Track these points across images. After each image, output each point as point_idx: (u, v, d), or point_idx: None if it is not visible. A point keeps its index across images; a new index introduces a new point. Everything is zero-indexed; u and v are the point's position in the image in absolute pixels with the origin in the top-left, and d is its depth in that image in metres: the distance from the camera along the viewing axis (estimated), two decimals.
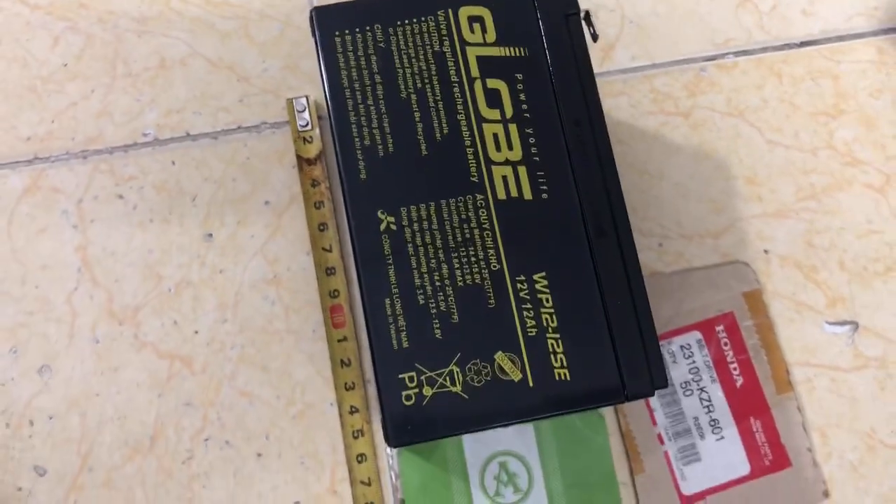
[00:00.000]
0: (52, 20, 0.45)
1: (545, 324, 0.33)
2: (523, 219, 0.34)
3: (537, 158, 0.34)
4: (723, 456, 0.42)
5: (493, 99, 0.34)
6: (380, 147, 0.34)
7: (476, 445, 0.42)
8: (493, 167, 0.34)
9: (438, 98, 0.34)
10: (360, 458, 0.41)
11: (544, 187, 0.33)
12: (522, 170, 0.34)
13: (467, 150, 0.34)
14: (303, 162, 0.44)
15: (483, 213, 0.33)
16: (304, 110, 0.44)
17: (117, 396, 0.42)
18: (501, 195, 0.34)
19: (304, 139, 0.44)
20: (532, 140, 0.34)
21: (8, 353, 0.42)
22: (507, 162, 0.34)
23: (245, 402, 0.42)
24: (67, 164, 0.44)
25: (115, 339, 0.42)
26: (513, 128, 0.34)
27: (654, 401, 0.43)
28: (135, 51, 0.45)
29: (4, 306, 0.42)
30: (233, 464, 0.41)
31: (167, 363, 0.42)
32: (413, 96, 0.34)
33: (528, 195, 0.34)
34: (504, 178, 0.34)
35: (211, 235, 0.44)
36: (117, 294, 0.43)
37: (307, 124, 0.44)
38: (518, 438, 0.42)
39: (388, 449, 0.42)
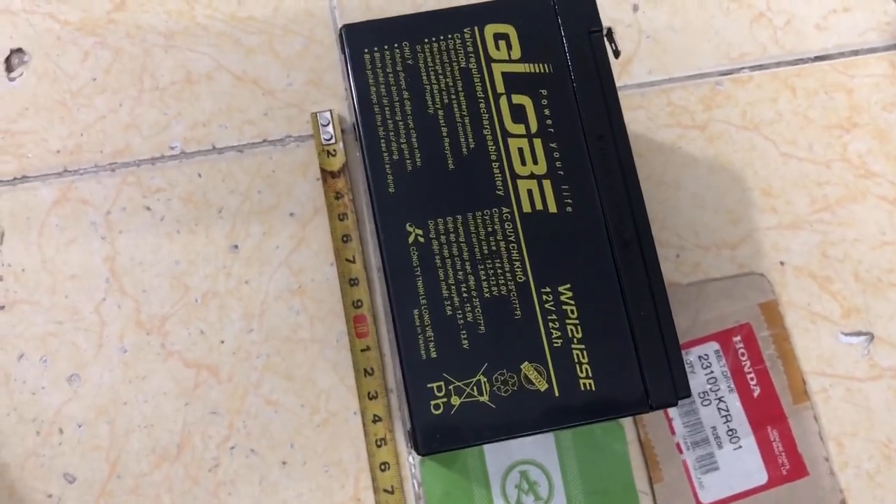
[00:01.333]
0: (82, 35, 0.46)
1: (570, 335, 0.34)
2: (548, 231, 0.34)
3: (562, 172, 0.34)
4: (740, 465, 0.43)
5: (519, 114, 0.35)
6: (408, 161, 0.35)
7: (497, 454, 0.42)
8: (519, 181, 0.35)
9: (465, 113, 0.35)
10: (383, 467, 0.42)
11: (569, 200, 0.34)
12: (547, 183, 0.34)
13: (493, 164, 0.35)
14: (326, 175, 0.45)
15: (509, 225, 0.34)
16: (328, 124, 0.45)
17: (145, 405, 0.42)
18: (527, 208, 0.34)
19: (328, 152, 0.45)
20: (556, 154, 0.35)
21: (38, 362, 0.42)
22: (532, 176, 0.34)
23: (270, 411, 0.43)
24: (96, 176, 0.45)
25: (142, 349, 0.43)
26: (537, 142, 0.35)
27: (672, 410, 0.43)
28: (162, 65, 0.46)
29: (34, 316, 0.43)
30: (258, 472, 0.42)
31: (194, 372, 0.43)
32: (440, 112, 0.35)
33: (552, 208, 0.34)
34: (529, 191, 0.34)
35: (237, 246, 0.44)
36: (145, 304, 0.43)
37: (331, 138, 0.45)
38: (538, 447, 0.43)
39: (411, 457, 0.42)
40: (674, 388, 0.33)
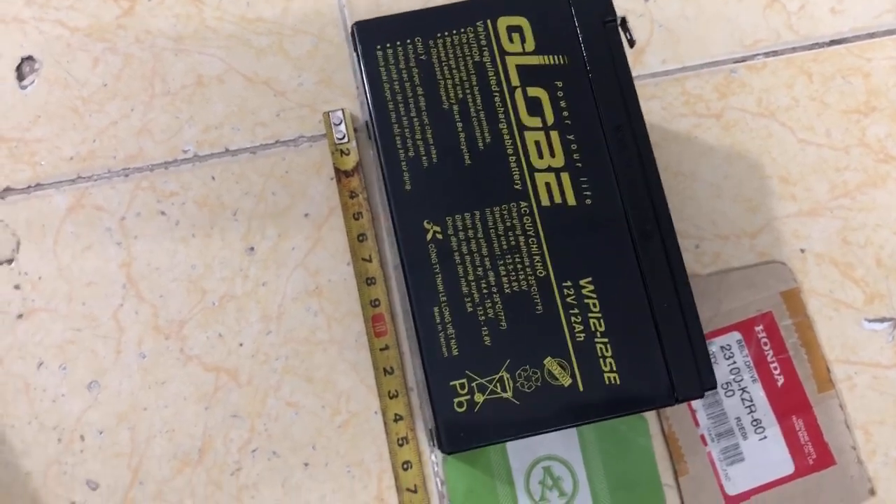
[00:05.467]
0: (92, 42, 0.46)
1: (593, 328, 0.33)
2: (568, 224, 0.34)
3: (580, 164, 0.34)
4: (766, 455, 0.42)
5: (534, 107, 0.35)
6: (423, 158, 0.35)
7: (520, 450, 0.42)
8: (536, 174, 0.34)
9: (480, 108, 0.35)
10: (405, 466, 0.42)
11: (588, 192, 0.34)
12: (565, 176, 0.34)
13: (510, 158, 0.34)
14: (340, 174, 0.45)
15: (528, 220, 0.34)
16: (340, 123, 0.45)
17: (165, 410, 0.42)
18: (545, 202, 0.34)
19: (342, 151, 0.45)
20: (574, 146, 0.34)
21: (57, 370, 0.42)
22: (549, 169, 0.34)
23: (291, 413, 0.42)
24: (110, 181, 0.45)
25: (161, 354, 0.43)
26: (554, 135, 0.34)
27: (696, 402, 0.43)
28: (172, 69, 0.46)
29: (52, 323, 0.43)
30: (280, 474, 0.42)
31: (213, 376, 0.43)
32: (455, 107, 0.35)
33: (571, 201, 0.34)
34: (547, 184, 0.34)
35: (253, 249, 0.44)
36: (162, 309, 0.43)
37: (344, 137, 0.45)
38: (561, 442, 0.42)
39: (434, 456, 0.42)
40: (699, 380, 0.33)
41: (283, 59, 0.46)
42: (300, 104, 0.46)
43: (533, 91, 0.35)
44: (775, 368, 0.43)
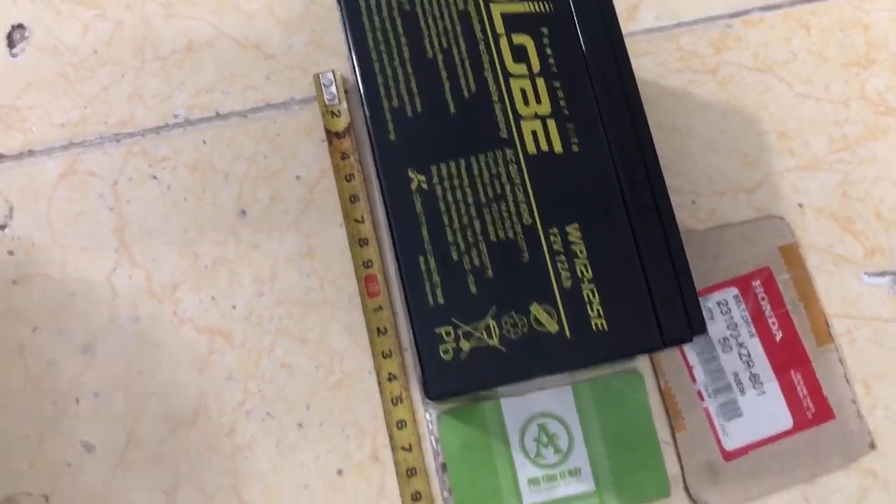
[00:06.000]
0: (81, 9, 0.46)
1: (580, 274, 0.33)
2: (554, 172, 0.34)
3: (566, 111, 0.34)
4: (765, 410, 0.42)
5: (520, 54, 0.34)
6: (408, 107, 0.34)
7: (514, 408, 0.42)
8: (522, 122, 0.34)
9: (464, 56, 0.34)
10: (399, 425, 0.41)
11: (574, 140, 0.33)
12: (552, 123, 0.34)
13: (495, 105, 0.34)
14: (332, 136, 0.44)
15: (513, 167, 0.34)
16: (330, 84, 0.45)
17: (159, 373, 0.42)
18: (532, 150, 0.34)
19: (332, 113, 0.45)
20: (560, 93, 0.34)
21: (53, 334, 0.42)
22: (535, 116, 0.34)
23: (285, 374, 0.42)
24: (101, 147, 0.45)
25: (154, 318, 0.43)
26: (540, 82, 0.34)
27: (693, 358, 0.42)
28: (162, 34, 0.46)
29: (46, 290, 0.43)
30: (275, 435, 0.42)
31: (207, 338, 0.43)
32: (439, 56, 0.34)
33: (558, 148, 0.34)
34: (534, 132, 0.34)
35: (244, 212, 0.44)
36: (155, 273, 0.43)
37: (334, 98, 0.45)
38: (556, 400, 0.42)
39: (427, 415, 0.42)
40: (688, 323, 0.32)
41: (273, 22, 0.46)
42: (290, 66, 0.46)
43: (518, 38, 0.34)
44: (773, 323, 0.43)
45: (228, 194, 0.44)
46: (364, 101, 0.34)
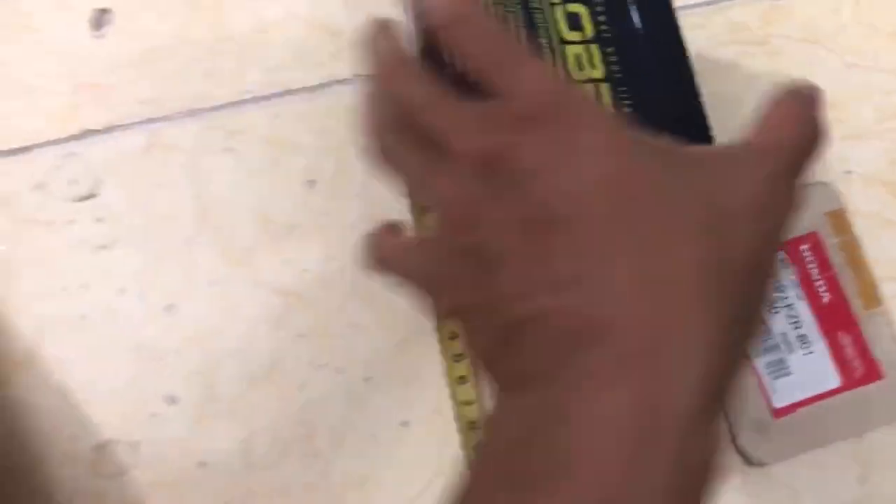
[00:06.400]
0: None
1: None
2: None
3: (619, 75, 0.36)
4: (812, 369, 0.43)
5: (574, 21, 0.36)
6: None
7: None
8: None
9: (521, 24, 0.36)
10: (461, 380, 0.44)
11: (627, 101, 0.35)
12: (605, 87, 0.35)
13: None
14: None
15: None
16: None
17: (236, 331, 0.45)
18: None
19: None
20: (613, 59, 0.36)
21: (136, 296, 0.46)
22: (589, 80, 0.36)
23: (352, 332, 0.45)
24: (181, 122, 0.48)
25: (231, 280, 0.46)
26: (594, 48, 0.36)
27: None
28: (235, 15, 0.49)
29: (131, 254, 0.46)
30: (344, 389, 0.44)
31: (280, 300, 0.46)
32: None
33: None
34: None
35: (313, 181, 0.47)
36: (231, 238, 0.46)
37: None
38: None
39: None
40: None
41: (339, 2, 0.49)
42: (355, 43, 0.48)
43: (573, 7, 0.36)
44: (821, 286, 0.44)
45: (298, 165, 0.47)
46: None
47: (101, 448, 0.44)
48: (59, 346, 0.45)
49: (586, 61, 0.36)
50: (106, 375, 0.45)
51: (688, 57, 0.36)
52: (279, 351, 0.45)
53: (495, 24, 0.33)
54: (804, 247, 0.45)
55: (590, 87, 0.36)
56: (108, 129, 0.48)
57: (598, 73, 0.36)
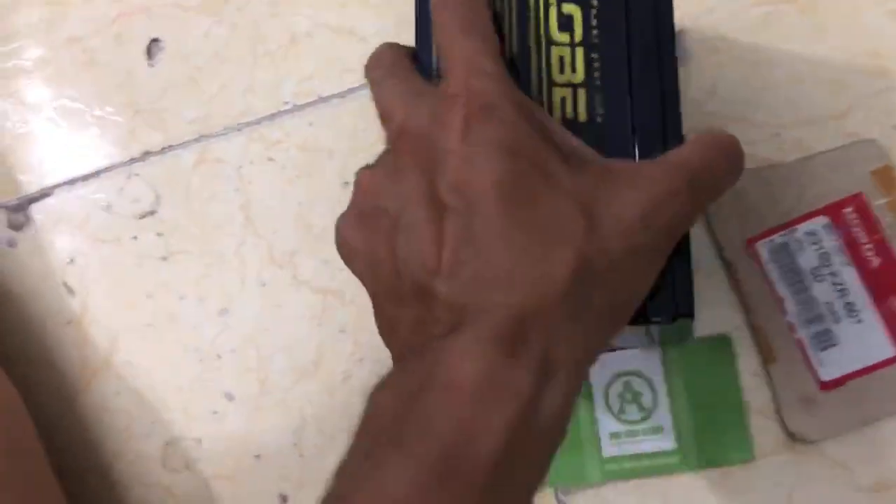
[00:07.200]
0: (203, 17, 0.53)
1: None
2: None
3: (598, 82, 0.34)
4: (862, 339, 0.41)
5: (566, 23, 0.35)
6: None
7: (601, 364, 0.43)
8: (555, 88, 0.35)
9: (514, 22, 0.36)
10: None
11: (600, 111, 0.34)
12: (582, 92, 0.34)
13: (532, 72, 0.35)
14: None
15: None
16: None
17: (283, 329, 0.48)
18: (557, 116, 0.34)
19: None
20: (596, 64, 0.35)
21: (195, 302, 0.49)
22: (568, 84, 0.35)
23: None
24: (226, 137, 0.51)
25: (277, 281, 0.48)
26: (580, 51, 0.35)
27: (782, 289, 0.42)
28: (269, 31, 0.52)
29: (188, 263, 0.50)
30: None
31: (321, 297, 0.48)
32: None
33: (583, 117, 0.34)
34: (563, 99, 0.34)
35: (348, 183, 0.49)
36: (276, 242, 0.49)
37: None
38: (644, 359, 0.43)
39: None
40: (675, 305, 0.32)
41: (363, 7, 0.51)
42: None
43: (567, 7, 0.35)
44: (869, 250, 0.42)
45: (333, 168, 0.49)
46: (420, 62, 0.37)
47: (170, 445, 0.48)
48: (130, 353, 0.49)
49: (569, 65, 0.35)
50: (171, 378, 0.49)
51: (676, 69, 0.34)
52: (323, 346, 0.47)
53: (473, 13, 0.34)
54: (848, 209, 0.42)
55: (567, 90, 0.35)
56: (163, 150, 0.52)
57: (579, 77, 0.35)
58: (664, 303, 0.33)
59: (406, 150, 0.32)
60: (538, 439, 0.27)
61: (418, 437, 0.26)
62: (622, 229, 0.28)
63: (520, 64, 0.35)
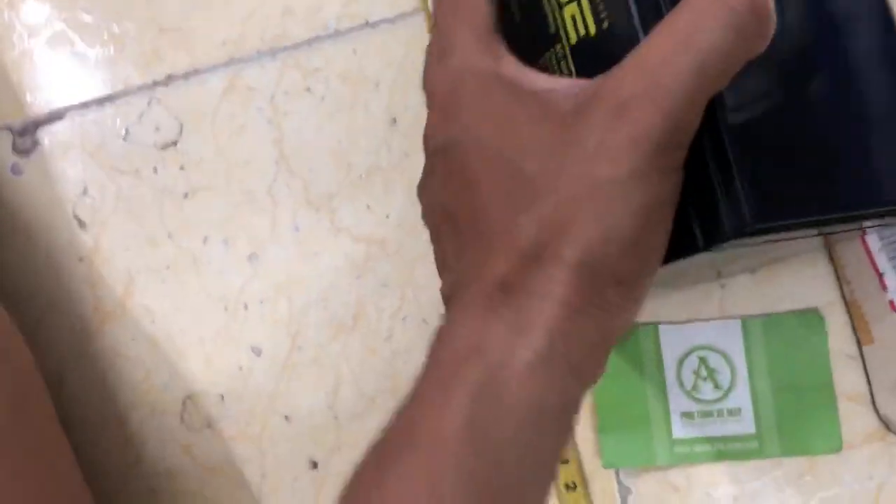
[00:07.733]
0: None
1: None
2: (591, 57, 0.31)
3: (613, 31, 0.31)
4: None
5: None
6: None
7: (674, 337, 0.39)
8: (563, 10, 0.32)
9: None
10: None
11: (604, 16, 0.30)
12: (585, 2, 0.31)
13: (544, 2, 0.33)
14: None
15: (564, 64, 0.32)
16: None
17: (319, 280, 0.43)
18: (573, 38, 0.31)
19: None
20: (604, 15, 0.31)
21: (220, 244, 0.44)
22: (585, 37, 0.31)
23: (439, 281, 0.42)
24: (259, 62, 0.46)
25: (313, 227, 0.44)
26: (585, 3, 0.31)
27: (884, 264, 0.38)
28: None
29: (213, 201, 0.45)
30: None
31: (363, 247, 0.43)
32: None
33: (592, 30, 0.31)
34: (573, 18, 0.31)
35: (395, 120, 0.44)
36: (312, 183, 0.44)
37: None
38: (722, 333, 0.39)
39: None
40: (741, 212, 0.26)
41: None
42: None
43: None
44: None
45: (379, 102, 0.44)
46: None
47: (190, 399, 0.44)
48: (147, 297, 0.45)
49: (580, 20, 0.31)
50: (193, 327, 0.44)
51: None
52: (363, 300, 0.43)
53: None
54: None
55: (574, 7, 0.31)
56: (189, 74, 0.46)
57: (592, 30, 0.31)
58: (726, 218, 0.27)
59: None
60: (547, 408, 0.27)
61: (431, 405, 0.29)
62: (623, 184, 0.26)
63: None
